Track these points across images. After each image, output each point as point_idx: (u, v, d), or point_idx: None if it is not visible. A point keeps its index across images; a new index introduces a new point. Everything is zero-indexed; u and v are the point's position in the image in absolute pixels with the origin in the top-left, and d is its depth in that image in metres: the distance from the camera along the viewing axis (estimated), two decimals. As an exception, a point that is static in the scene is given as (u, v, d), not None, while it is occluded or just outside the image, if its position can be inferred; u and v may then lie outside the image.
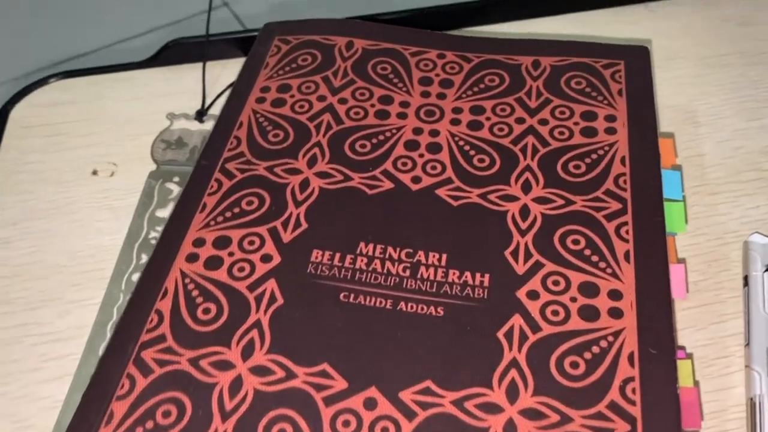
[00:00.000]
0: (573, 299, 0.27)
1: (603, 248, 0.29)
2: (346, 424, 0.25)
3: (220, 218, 0.30)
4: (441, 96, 0.35)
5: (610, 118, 0.33)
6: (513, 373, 0.25)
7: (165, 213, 0.35)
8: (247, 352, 0.26)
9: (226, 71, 0.41)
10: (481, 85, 0.35)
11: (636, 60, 0.36)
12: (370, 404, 0.25)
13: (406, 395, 0.25)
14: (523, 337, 0.26)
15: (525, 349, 0.26)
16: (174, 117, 0.39)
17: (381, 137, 0.33)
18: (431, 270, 0.29)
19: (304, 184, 0.32)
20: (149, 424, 0.25)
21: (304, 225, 0.30)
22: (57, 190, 0.36)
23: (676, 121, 0.38)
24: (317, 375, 0.26)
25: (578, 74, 0.35)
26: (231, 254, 0.29)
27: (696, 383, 0.28)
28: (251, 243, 0.30)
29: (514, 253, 0.29)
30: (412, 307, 0.27)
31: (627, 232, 0.29)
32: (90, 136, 0.39)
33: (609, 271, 0.28)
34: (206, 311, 0.28)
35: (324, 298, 0.28)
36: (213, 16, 0.42)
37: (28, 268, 0.33)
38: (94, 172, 0.37)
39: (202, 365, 0.26)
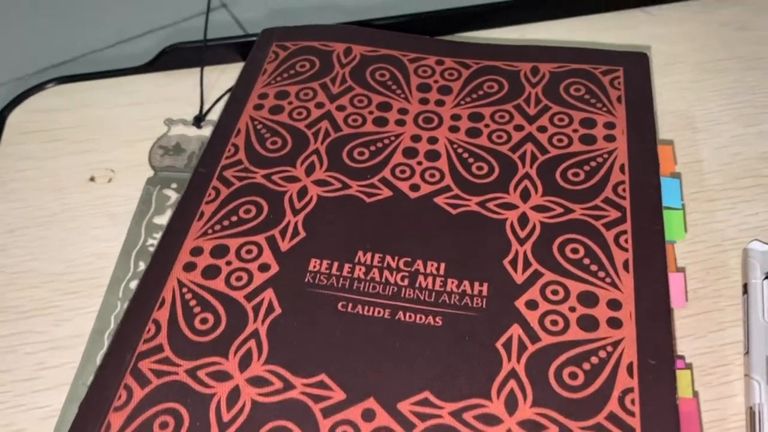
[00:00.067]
0: (572, 309, 0.27)
1: (602, 257, 0.29)
2: (345, 435, 0.24)
3: (217, 227, 0.30)
4: (439, 103, 0.35)
5: (610, 126, 0.33)
6: (512, 383, 0.25)
7: (163, 220, 0.35)
8: (244, 363, 0.26)
9: (224, 76, 0.41)
10: (480, 92, 0.35)
11: (635, 67, 0.36)
12: (368, 415, 0.25)
13: (405, 406, 0.25)
14: (522, 348, 0.26)
15: (524, 360, 0.26)
16: (172, 123, 0.39)
17: (379, 144, 0.33)
18: (429, 279, 0.28)
19: (302, 192, 0.31)
20: (146, 436, 0.25)
21: (302, 233, 0.30)
22: (54, 197, 0.36)
23: (675, 126, 0.38)
24: (315, 386, 0.26)
25: (577, 81, 0.35)
26: (229, 263, 0.29)
27: (695, 393, 0.28)
28: (249, 252, 0.29)
29: (513, 262, 0.29)
30: (410, 317, 0.27)
31: (626, 240, 0.29)
32: (87, 142, 0.39)
33: (608, 280, 0.28)
34: (204, 321, 0.27)
35: (322, 308, 0.28)
36: (211, 19, 0.42)
37: (24, 276, 0.33)
38: (92, 179, 0.37)
39: (200, 376, 0.26)
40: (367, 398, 0.25)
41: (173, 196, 0.36)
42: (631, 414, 0.25)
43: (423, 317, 0.27)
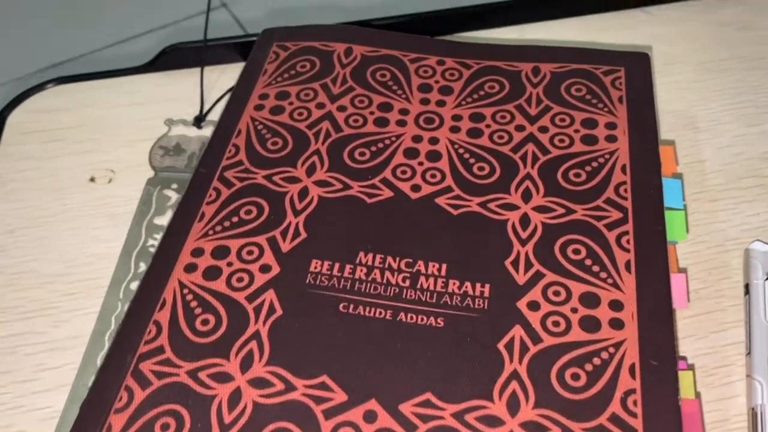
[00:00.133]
0: (574, 310, 0.27)
1: (604, 258, 0.29)
2: (346, 437, 0.24)
3: (218, 228, 0.30)
4: (440, 103, 0.35)
5: (611, 126, 0.33)
6: (514, 385, 0.25)
7: (163, 220, 0.35)
8: (246, 364, 0.26)
9: (224, 76, 0.41)
10: (481, 92, 0.35)
11: (636, 67, 0.36)
12: (370, 417, 0.25)
13: (406, 408, 0.25)
14: (524, 349, 0.26)
15: (526, 361, 0.26)
16: (172, 123, 0.39)
17: (380, 145, 0.33)
18: (431, 280, 0.28)
19: (303, 193, 0.31)
20: (147, 438, 0.25)
21: (303, 234, 0.30)
22: (54, 197, 0.36)
23: (676, 126, 0.38)
24: (317, 387, 0.26)
25: (578, 81, 0.35)
26: (230, 264, 0.29)
27: (697, 395, 0.28)
28: (250, 253, 0.29)
29: (515, 263, 0.29)
30: (411, 318, 0.27)
31: (628, 241, 0.29)
32: (87, 143, 0.39)
33: (610, 281, 0.28)
34: (205, 322, 0.27)
35: (323, 309, 0.28)
36: (211, 18, 0.42)
37: (24, 277, 0.33)
38: (92, 179, 0.37)
39: (201, 377, 0.26)
40: (368, 399, 0.25)
41: (174, 196, 0.36)
42: (634, 415, 0.24)
43: (424, 318, 0.27)
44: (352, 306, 0.28)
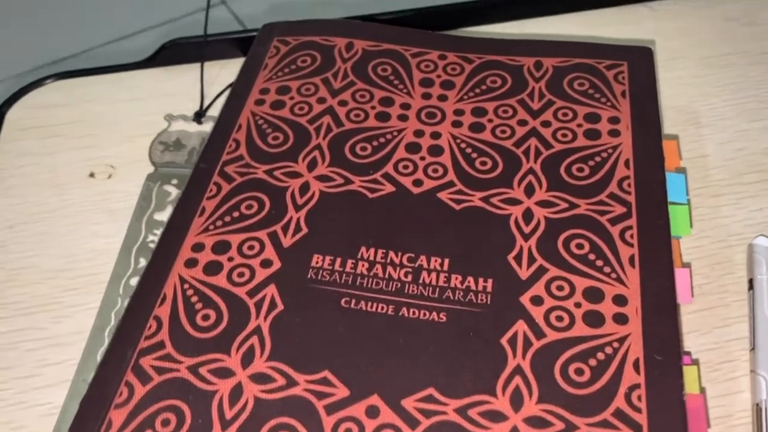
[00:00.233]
0: (577, 305, 0.27)
1: (607, 253, 0.28)
2: (348, 432, 0.24)
3: (219, 222, 0.30)
4: (442, 98, 0.35)
5: (614, 120, 0.33)
6: (517, 380, 0.25)
7: (163, 216, 0.34)
8: (247, 359, 0.26)
9: (224, 71, 0.41)
10: (483, 87, 0.35)
11: (639, 61, 0.36)
12: (372, 412, 0.25)
13: (409, 403, 0.25)
14: (527, 344, 0.26)
15: (529, 356, 0.26)
16: (172, 118, 0.39)
17: (382, 140, 0.33)
18: (433, 275, 0.28)
19: (304, 188, 0.31)
20: (148, 433, 0.24)
21: (305, 229, 0.30)
22: (53, 193, 0.36)
23: (679, 122, 0.37)
24: (318, 382, 0.25)
25: (581, 75, 0.35)
26: (230, 259, 0.29)
27: (702, 390, 0.28)
28: (251, 248, 0.29)
29: (518, 258, 0.28)
30: (414, 313, 0.27)
31: (632, 236, 0.29)
32: (87, 138, 0.38)
33: (614, 276, 0.28)
34: (205, 317, 0.27)
35: (325, 304, 0.27)
36: (211, 15, 0.41)
37: (24, 272, 0.33)
38: (91, 175, 0.37)
39: (202, 372, 0.26)
40: (371, 395, 0.25)
41: (174, 192, 0.35)
42: (638, 410, 0.24)
43: (427, 313, 0.27)
44: (353, 301, 0.28)
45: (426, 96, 0.35)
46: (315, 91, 0.35)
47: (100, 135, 0.38)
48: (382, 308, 0.27)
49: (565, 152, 0.32)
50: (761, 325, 0.29)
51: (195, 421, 0.25)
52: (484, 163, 0.32)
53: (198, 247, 0.29)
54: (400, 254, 0.29)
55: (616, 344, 0.26)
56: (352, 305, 0.27)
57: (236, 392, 0.25)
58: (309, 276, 0.28)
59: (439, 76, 0.35)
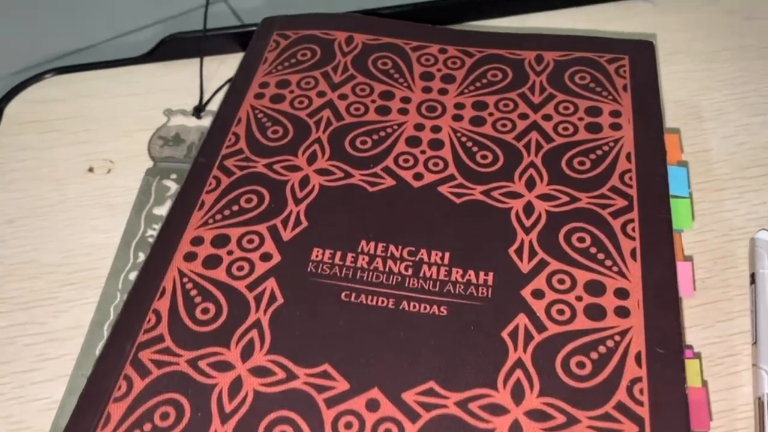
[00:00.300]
0: (579, 298, 0.27)
1: (609, 246, 0.28)
2: (348, 426, 0.24)
3: (218, 216, 0.30)
4: (443, 91, 0.34)
5: (615, 114, 0.33)
6: (518, 373, 0.25)
7: (162, 210, 0.34)
8: (246, 353, 0.26)
9: (223, 66, 0.41)
10: (484, 80, 0.35)
11: (641, 55, 0.35)
12: (372, 406, 0.24)
13: (409, 396, 0.25)
14: (528, 337, 0.26)
15: (530, 349, 0.26)
16: (171, 113, 0.39)
17: (382, 133, 0.33)
18: (434, 269, 0.28)
19: (304, 182, 0.31)
20: (147, 427, 0.24)
21: (305, 223, 0.30)
22: (52, 188, 0.36)
23: (680, 116, 0.37)
24: (318, 376, 0.25)
25: (582, 69, 0.35)
26: (230, 253, 0.29)
27: (704, 383, 0.28)
28: (250, 241, 0.29)
29: (519, 251, 0.28)
30: (414, 307, 0.27)
31: (633, 229, 0.29)
32: (86, 133, 0.38)
33: (615, 269, 0.28)
34: (205, 311, 0.27)
35: (325, 298, 0.27)
36: (210, 10, 0.41)
37: (22, 267, 0.33)
38: (90, 170, 0.37)
39: (201, 366, 0.26)
40: (371, 388, 0.25)
41: (173, 186, 0.35)
42: (640, 403, 0.24)
43: (428, 307, 0.27)
44: (354, 295, 0.27)
45: (426, 90, 0.34)
46: (315, 84, 0.35)
47: (99, 130, 0.38)
48: (383, 302, 0.27)
49: (567, 146, 0.32)
50: (763, 319, 0.29)
51: (194, 415, 0.24)
52: (484, 157, 0.32)
53: (197, 241, 0.29)
54: (400, 248, 0.29)
55: (617, 337, 0.26)
56: (353, 299, 0.27)
57: (236, 386, 0.25)
58: (309, 270, 0.28)
59: (439, 70, 0.35)
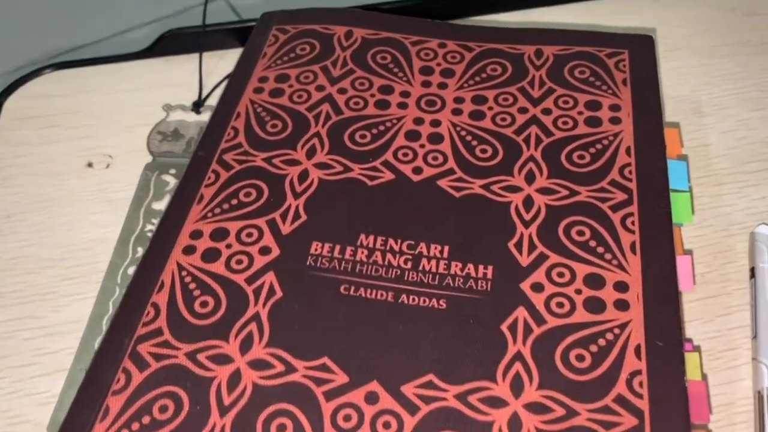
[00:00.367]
0: (578, 291, 0.27)
1: (608, 239, 0.28)
2: (347, 418, 0.24)
3: (217, 210, 0.30)
4: (442, 86, 0.34)
5: (615, 108, 0.33)
6: (517, 366, 0.25)
7: (161, 205, 0.34)
8: (245, 346, 0.26)
9: (223, 62, 0.41)
10: (483, 75, 0.35)
11: (640, 49, 0.35)
12: (371, 398, 0.24)
13: (408, 389, 0.25)
14: (528, 330, 0.26)
15: (530, 342, 0.26)
16: (170, 108, 0.39)
17: (381, 127, 0.33)
18: (433, 262, 0.28)
19: (303, 176, 0.31)
20: (146, 419, 0.24)
21: (304, 217, 0.29)
22: (51, 183, 0.36)
23: (680, 111, 0.37)
24: (317, 369, 0.25)
25: (582, 63, 0.35)
26: (229, 246, 0.29)
27: (704, 376, 0.28)
28: (249, 235, 0.29)
29: (518, 245, 0.28)
30: (413, 300, 0.27)
31: (633, 223, 0.29)
32: (85, 128, 0.38)
33: (615, 262, 0.28)
34: (204, 304, 0.27)
35: (324, 291, 0.27)
36: (209, 7, 0.41)
37: (22, 262, 0.33)
38: (89, 165, 0.37)
39: (200, 359, 0.26)
40: (370, 381, 0.25)
41: (172, 181, 0.35)
42: (640, 396, 0.24)
43: (427, 300, 0.27)
44: (353, 288, 0.27)
45: (426, 84, 0.34)
46: (314, 79, 0.35)
47: (98, 125, 0.38)
48: (382, 295, 0.27)
49: (566, 140, 0.32)
50: (763, 313, 0.29)
51: (193, 408, 0.24)
52: (484, 151, 0.32)
53: (196, 235, 0.29)
54: (399, 241, 0.29)
55: (617, 330, 0.26)
56: (352, 292, 0.27)
57: (234, 378, 0.25)
58: (308, 263, 0.28)
59: (439, 64, 0.35)
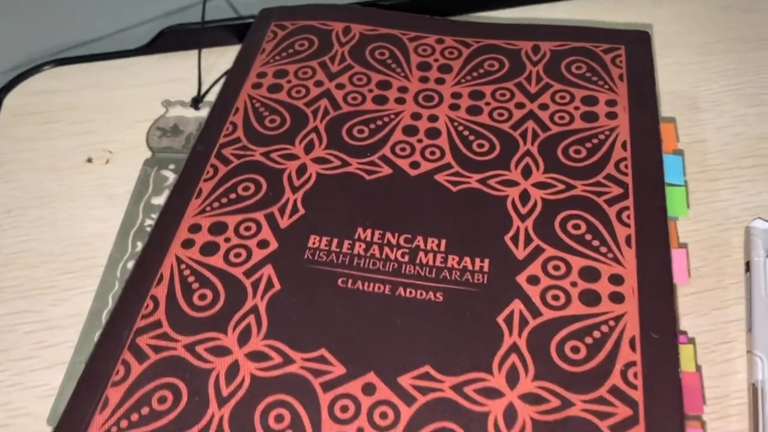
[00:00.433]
0: (573, 284, 0.27)
1: (604, 233, 0.28)
2: (344, 409, 0.24)
3: (216, 204, 0.30)
4: (440, 81, 0.35)
5: (611, 103, 0.33)
6: (513, 358, 0.25)
7: (160, 200, 0.34)
8: (243, 338, 0.26)
9: (222, 59, 0.41)
10: (481, 70, 0.35)
11: (637, 45, 0.36)
12: (368, 389, 0.25)
13: (405, 380, 0.25)
14: (524, 322, 0.26)
15: (525, 334, 0.26)
16: (169, 104, 0.39)
17: (379, 122, 0.33)
18: (430, 255, 0.28)
19: (301, 170, 0.31)
20: (145, 410, 0.24)
21: (301, 210, 0.30)
22: (51, 178, 0.36)
23: (677, 107, 0.37)
24: (315, 360, 0.25)
25: (578, 59, 0.35)
26: (227, 240, 0.29)
27: (698, 368, 0.28)
28: (247, 229, 0.29)
29: (514, 239, 0.28)
30: (410, 293, 0.27)
31: (628, 216, 0.29)
32: (85, 124, 0.38)
33: (610, 255, 0.28)
34: (202, 297, 0.27)
35: (322, 284, 0.27)
36: (208, 6, 0.41)
37: (21, 257, 0.33)
38: (89, 160, 0.37)
39: (199, 351, 0.26)
40: (367, 372, 0.25)
41: (171, 176, 0.35)
42: (634, 387, 0.24)
43: (424, 293, 0.27)
44: (350, 281, 0.28)
45: (423, 79, 0.35)
46: (312, 74, 0.35)
47: (97, 121, 0.38)
48: (379, 288, 0.27)
49: (563, 134, 0.32)
50: (758, 307, 0.29)
51: (191, 398, 0.25)
52: (481, 146, 0.32)
53: (195, 228, 0.29)
54: (397, 235, 0.29)
55: (612, 323, 0.26)
56: (349, 285, 0.27)
57: (233, 370, 0.25)
58: (306, 256, 0.28)
59: (436, 60, 0.35)
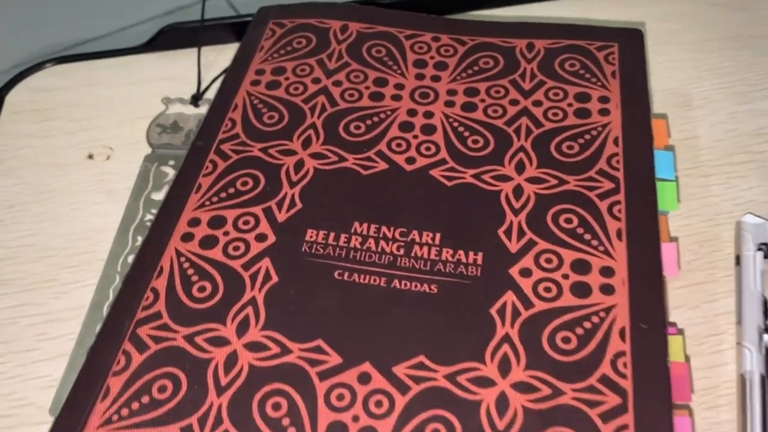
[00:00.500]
0: (565, 276, 0.28)
1: (595, 226, 0.29)
2: (341, 398, 0.25)
3: (215, 198, 0.31)
4: (435, 78, 0.35)
5: (604, 100, 0.34)
6: (505, 348, 0.26)
7: (160, 196, 0.35)
8: (242, 329, 0.27)
9: (221, 57, 0.41)
10: (476, 68, 0.35)
11: (630, 42, 0.36)
12: (364, 379, 0.25)
13: (400, 370, 0.25)
14: (516, 313, 0.27)
15: (517, 325, 0.26)
16: (169, 101, 0.40)
17: (375, 119, 0.33)
18: (425, 249, 0.29)
19: (299, 165, 0.32)
20: (145, 399, 0.25)
21: (299, 205, 0.30)
22: (53, 174, 0.36)
23: (669, 104, 0.38)
24: (312, 351, 0.26)
25: (572, 56, 0.36)
26: (226, 233, 0.29)
27: (687, 358, 0.29)
28: (246, 222, 0.30)
29: (508, 232, 0.29)
30: (406, 285, 0.28)
31: (619, 210, 0.29)
32: (85, 121, 0.39)
33: (601, 248, 0.28)
34: (201, 289, 0.28)
35: (318, 276, 0.28)
36: (207, 5, 0.42)
37: (23, 251, 0.33)
38: (90, 156, 0.37)
39: (198, 341, 0.26)
40: (363, 362, 0.26)
41: (171, 172, 0.36)
42: (623, 376, 0.25)
43: (418, 285, 0.28)
44: (347, 273, 0.28)
45: (419, 76, 0.35)
46: (310, 71, 0.36)
47: (98, 118, 0.39)
48: (375, 280, 0.28)
49: (556, 131, 0.32)
50: (747, 300, 0.29)
51: (191, 388, 0.25)
52: (475, 142, 0.32)
53: (194, 222, 0.30)
54: (392, 229, 0.29)
55: (602, 314, 0.26)
56: (346, 278, 0.28)
57: (231, 360, 0.26)
58: (303, 250, 0.29)
59: (432, 58, 0.36)
